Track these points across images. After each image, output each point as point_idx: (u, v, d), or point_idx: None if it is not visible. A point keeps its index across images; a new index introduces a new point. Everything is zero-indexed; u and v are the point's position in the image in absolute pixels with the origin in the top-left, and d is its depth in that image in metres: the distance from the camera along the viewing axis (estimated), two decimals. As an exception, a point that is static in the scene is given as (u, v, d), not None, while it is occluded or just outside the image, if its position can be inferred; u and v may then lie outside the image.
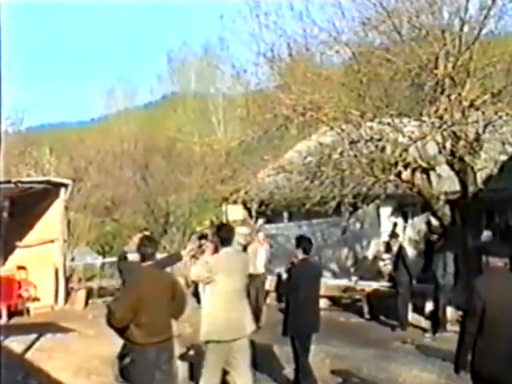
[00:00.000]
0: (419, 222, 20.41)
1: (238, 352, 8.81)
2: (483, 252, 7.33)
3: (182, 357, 11.72)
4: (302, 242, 10.23)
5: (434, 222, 17.88)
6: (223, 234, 9.06)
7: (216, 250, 9.40)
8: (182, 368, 10.71)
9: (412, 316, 15.83)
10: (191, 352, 12.33)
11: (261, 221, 23.64)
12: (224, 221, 24.72)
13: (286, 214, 22.86)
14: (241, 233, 23.40)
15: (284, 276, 10.63)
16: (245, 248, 18.26)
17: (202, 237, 21.31)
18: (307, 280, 10.11)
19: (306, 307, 9.93)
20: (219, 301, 8.81)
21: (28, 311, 17.90)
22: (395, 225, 21.15)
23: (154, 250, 8.29)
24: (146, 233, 19.77)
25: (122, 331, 7.82)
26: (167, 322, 8.07)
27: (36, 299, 18.46)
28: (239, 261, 9.28)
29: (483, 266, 7.16)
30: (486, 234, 17.49)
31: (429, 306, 15.78)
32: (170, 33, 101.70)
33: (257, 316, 14.43)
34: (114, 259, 23.68)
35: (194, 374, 10.23)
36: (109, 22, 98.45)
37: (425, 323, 15.48)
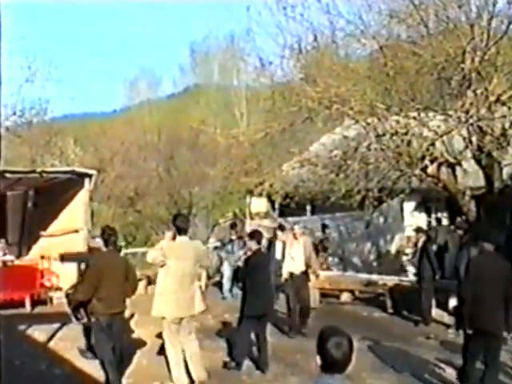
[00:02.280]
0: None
1: (185, 329, 10.42)
2: (479, 239, 10.31)
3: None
4: (256, 235, 11.85)
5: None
6: (179, 224, 10.33)
7: (174, 238, 10.90)
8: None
9: (435, 311, 15.73)
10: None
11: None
12: (247, 213, 24.77)
13: (308, 207, 22.81)
14: (264, 225, 23.45)
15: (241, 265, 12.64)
16: (269, 243, 18.36)
17: (232, 227, 21.57)
18: (261, 267, 11.58)
19: (261, 291, 11.29)
20: (171, 283, 10.15)
21: (51, 300, 17.95)
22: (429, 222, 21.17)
23: (116, 238, 10.29)
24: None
25: (85, 305, 9.94)
26: (122, 297, 10.02)
27: (58, 289, 18.49)
28: (191, 249, 10.46)
29: (479, 249, 10.33)
30: None
31: (452, 302, 15.65)
32: (194, 24, 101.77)
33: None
34: (137, 250, 23.82)
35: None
36: (133, 13, 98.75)
37: (448, 319, 15.36)
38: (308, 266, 14.52)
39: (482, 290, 9.49)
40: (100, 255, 10.41)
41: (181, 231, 10.28)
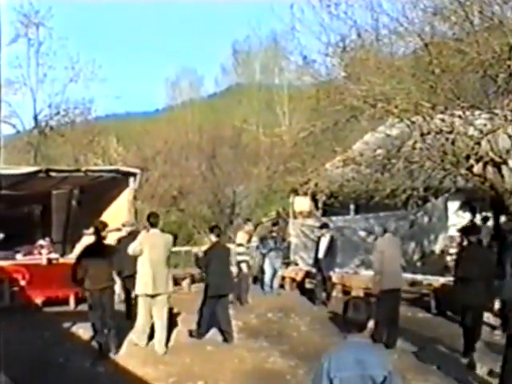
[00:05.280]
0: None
1: (158, 303, 12.68)
2: (465, 233, 13.10)
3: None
4: (215, 229, 14.31)
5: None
6: (152, 220, 12.91)
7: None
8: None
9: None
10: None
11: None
12: (290, 212, 24.68)
13: (352, 207, 22.65)
14: (307, 224, 23.34)
15: (200, 254, 15.05)
16: (318, 241, 18.40)
17: (274, 224, 21.77)
18: (218, 256, 13.78)
19: (219, 275, 13.54)
20: (147, 267, 12.50)
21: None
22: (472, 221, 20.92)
23: (106, 233, 12.79)
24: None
25: (81, 283, 12.42)
26: (108, 276, 12.35)
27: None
28: (162, 239, 12.92)
29: (466, 239, 12.78)
30: None
31: (498, 303, 15.39)
32: (236, 23, 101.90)
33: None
34: (179, 249, 23.82)
35: (132, 314, 14.10)
36: (174, 13, 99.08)
37: (493, 320, 15.11)
38: None
39: (467, 274, 11.91)
40: (89, 245, 12.99)
41: (152, 225, 12.85)
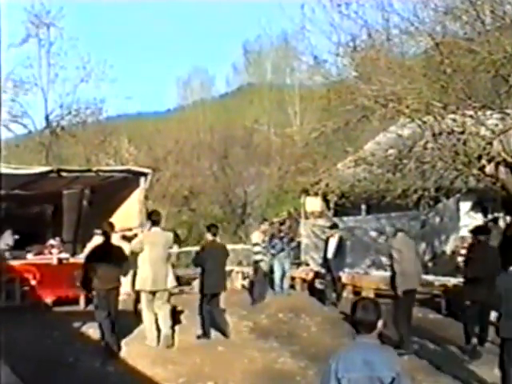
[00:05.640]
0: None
1: (158, 300, 13.07)
2: (475, 232, 13.26)
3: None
4: (212, 228, 14.36)
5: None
6: (153, 218, 13.39)
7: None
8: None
9: (492, 314, 15.39)
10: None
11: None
12: (302, 212, 24.63)
13: (363, 207, 22.59)
14: (318, 224, 23.26)
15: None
16: (326, 241, 18.32)
17: (282, 224, 21.75)
18: (214, 255, 13.88)
19: (214, 274, 13.75)
20: (147, 264, 12.86)
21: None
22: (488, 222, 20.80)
23: (113, 233, 13.43)
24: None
25: (89, 284, 12.74)
26: (115, 277, 12.67)
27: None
28: (163, 237, 13.32)
29: (476, 239, 13.09)
30: None
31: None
32: (247, 23, 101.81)
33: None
34: (190, 249, 23.81)
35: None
36: (185, 12, 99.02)
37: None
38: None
39: (476, 271, 12.32)
40: (97, 246, 13.36)
41: (154, 223, 13.24)
